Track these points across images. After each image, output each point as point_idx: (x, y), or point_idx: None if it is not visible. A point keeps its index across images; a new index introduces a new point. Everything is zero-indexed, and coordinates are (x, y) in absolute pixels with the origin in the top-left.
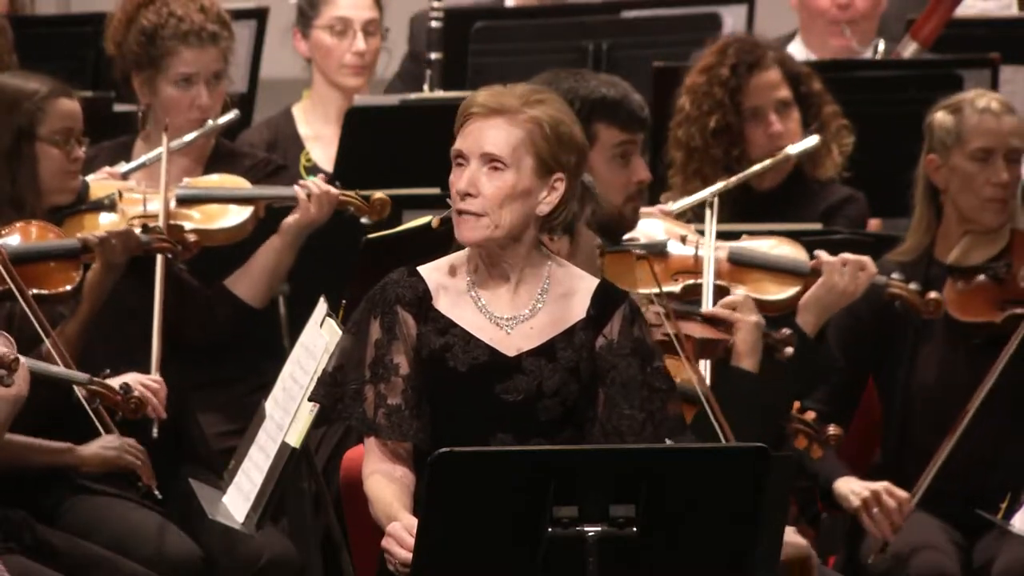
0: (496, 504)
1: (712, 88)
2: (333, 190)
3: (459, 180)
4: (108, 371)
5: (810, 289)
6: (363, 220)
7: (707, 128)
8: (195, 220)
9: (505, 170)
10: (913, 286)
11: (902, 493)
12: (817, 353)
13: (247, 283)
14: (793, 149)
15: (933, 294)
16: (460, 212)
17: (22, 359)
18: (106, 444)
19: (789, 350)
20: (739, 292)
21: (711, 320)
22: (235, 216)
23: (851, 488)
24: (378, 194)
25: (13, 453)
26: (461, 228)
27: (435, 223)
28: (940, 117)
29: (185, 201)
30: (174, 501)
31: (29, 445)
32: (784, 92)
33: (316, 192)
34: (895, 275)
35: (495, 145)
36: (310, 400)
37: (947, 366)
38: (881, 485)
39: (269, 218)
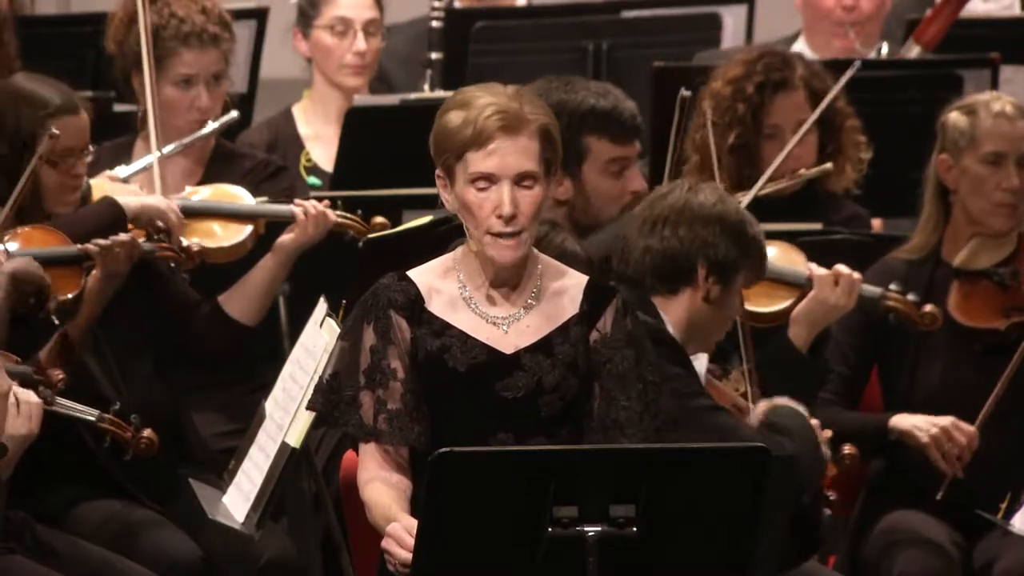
0: (496, 504)
1: (736, 103)
2: (331, 213)
3: (498, 204)
4: (118, 405)
5: (802, 302)
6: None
7: (725, 142)
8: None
9: (535, 185)
10: (911, 297)
11: (969, 427)
12: (808, 367)
13: (240, 302)
14: (806, 173)
15: (929, 307)
16: (503, 235)
17: (34, 399)
18: None
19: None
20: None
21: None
22: (235, 235)
23: (914, 423)
24: (379, 218)
25: None
26: (504, 251)
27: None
28: (954, 118)
29: (184, 213)
30: (174, 501)
31: None
32: (806, 115)
33: (314, 213)
34: (892, 286)
35: (528, 163)
36: (308, 408)
37: (950, 369)
38: (948, 420)
39: (267, 234)
